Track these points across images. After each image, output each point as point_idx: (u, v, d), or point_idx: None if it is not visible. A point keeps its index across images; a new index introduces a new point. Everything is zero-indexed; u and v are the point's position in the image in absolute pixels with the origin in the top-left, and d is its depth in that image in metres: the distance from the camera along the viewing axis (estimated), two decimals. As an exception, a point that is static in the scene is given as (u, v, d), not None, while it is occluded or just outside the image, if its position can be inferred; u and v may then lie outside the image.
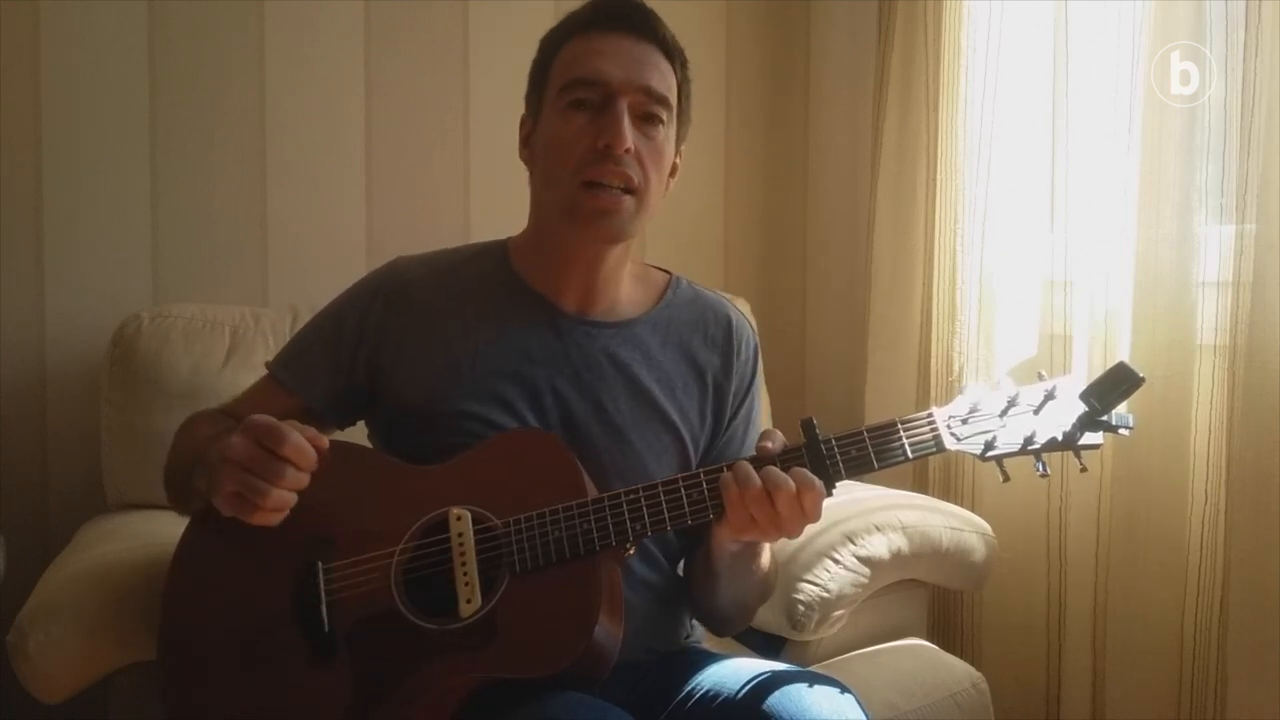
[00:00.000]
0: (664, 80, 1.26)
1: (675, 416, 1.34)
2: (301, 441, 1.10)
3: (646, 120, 1.25)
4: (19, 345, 1.96)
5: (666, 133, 1.28)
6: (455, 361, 1.30)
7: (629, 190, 1.24)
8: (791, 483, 1.12)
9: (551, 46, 1.30)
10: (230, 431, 1.16)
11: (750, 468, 1.14)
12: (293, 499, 1.12)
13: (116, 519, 1.71)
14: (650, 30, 1.27)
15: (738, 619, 1.38)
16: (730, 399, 1.38)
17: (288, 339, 1.47)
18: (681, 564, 1.39)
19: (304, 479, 1.12)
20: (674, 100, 1.28)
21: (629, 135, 1.22)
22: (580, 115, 1.24)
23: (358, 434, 1.38)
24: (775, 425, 2.00)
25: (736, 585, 1.31)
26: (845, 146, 2.50)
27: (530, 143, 1.32)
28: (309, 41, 2.14)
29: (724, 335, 1.39)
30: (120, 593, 1.35)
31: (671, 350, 1.36)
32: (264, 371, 1.39)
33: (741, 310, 1.46)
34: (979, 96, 2.04)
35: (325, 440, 1.14)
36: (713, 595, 1.33)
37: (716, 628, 1.40)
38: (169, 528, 1.28)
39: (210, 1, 2.06)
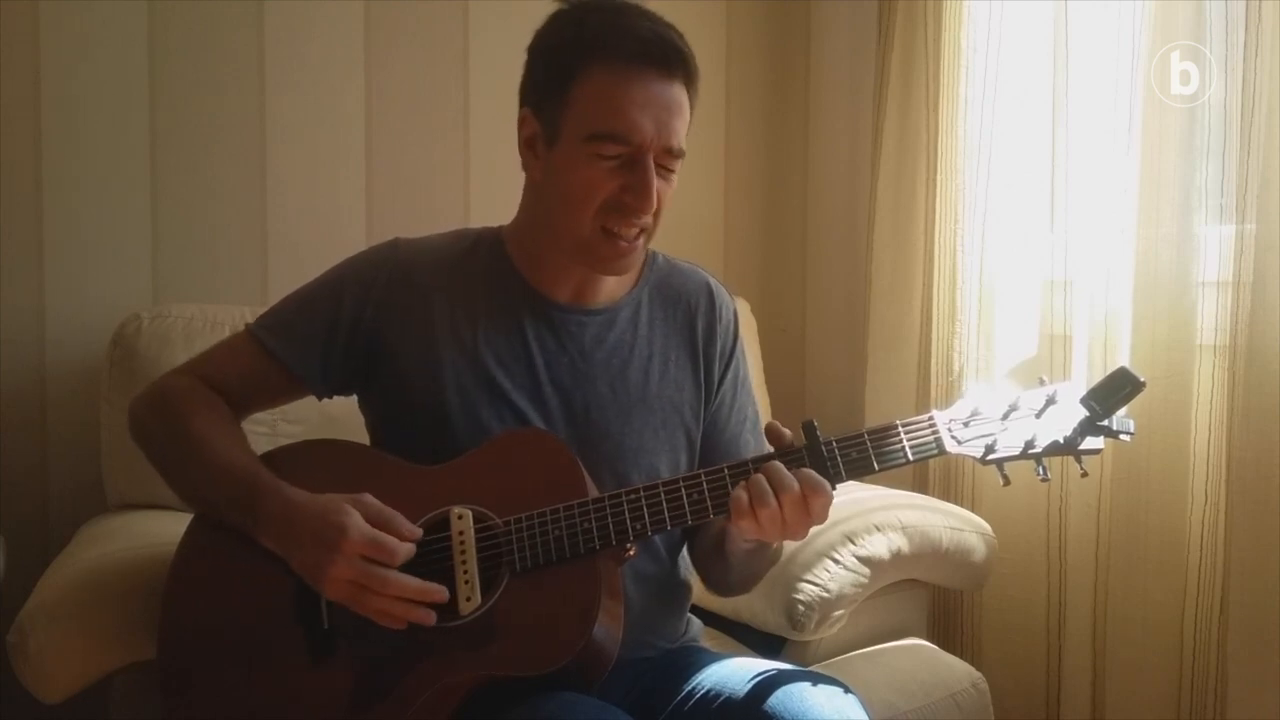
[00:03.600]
0: (684, 125, 1.26)
1: (672, 393, 1.36)
2: (409, 549, 1.14)
3: (666, 165, 1.26)
4: (19, 345, 1.96)
5: (680, 163, 1.28)
6: (455, 352, 1.30)
7: (643, 231, 1.27)
8: (797, 485, 1.13)
9: (574, 58, 1.24)
10: (256, 473, 1.21)
11: (765, 483, 1.13)
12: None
13: (116, 519, 1.71)
14: (683, 72, 1.25)
15: (742, 588, 1.41)
16: (716, 362, 1.40)
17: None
18: (683, 556, 1.40)
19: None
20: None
21: (655, 195, 1.24)
22: (606, 161, 1.23)
23: (355, 430, 1.38)
24: (775, 425, 2.00)
25: (751, 566, 1.34)
26: (845, 146, 2.50)
27: (537, 151, 1.29)
28: (309, 41, 2.13)
29: (706, 303, 1.41)
30: (120, 593, 1.35)
31: (660, 327, 1.37)
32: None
33: (722, 285, 1.47)
34: (979, 96, 2.04)
35: (419, 531, 1.16)
36: (723, 573, 1.35)
37: (722, 593, 1.42)
38: (169, 528, 1.28)
39: (210, 1, 2.05)
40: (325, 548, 1.12)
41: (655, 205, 1.24)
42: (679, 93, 1.24)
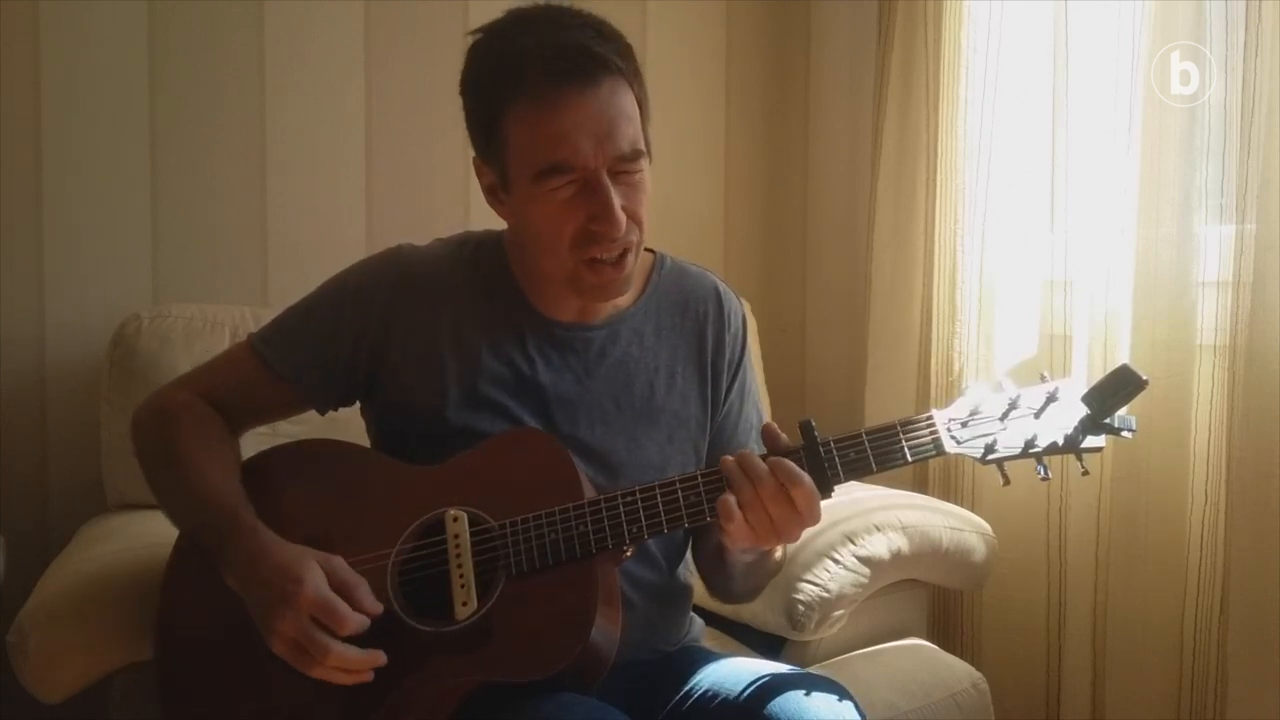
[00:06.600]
0: (631, 124, 1.18)
1: (679, 406, 1.33)
2: (361, 620, 1.10)
3: (626, 171, 1.19)
4: (19, 345, 1.96)
5: (644, 160, 1.21)
6: (458, 364, 1.28)
7: (627, 250, 1.22)
8: (768, 470, 1.10)
9: (494, 101, 1.19)
10: (235, 510, 1.17)
11: (736, 467, 1.12)
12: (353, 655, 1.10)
13: (116, 519, 1.71)
14: (606, 71, 1.16)
15: (747, 598, 1.40)
16: (725, 373, 1.37)
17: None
18: (684, 561, 1.39)
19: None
20: (641, 131, 1.20)
21: (621, 214, 1.17)
22: (561, 194, 1.17)
23: (357, 430, 1.38)
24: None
25: (752, 579, 1.33)
26: (845, 146, 2.50)
27: (500, 198, 1.26)
28: (309, 41, 2.13)
29: (714, 310, 1.37)
30: (120, 593, 1.35)
31: (666, 336, 1.35)
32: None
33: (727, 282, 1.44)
34: (979, 96, 2.03)
35: (380, 607, 1.12)
36: (726, 583, 1.34)
37: (726, 601, 1.41)
38: (169, 527, 1.28)
39: (210, 1, 2.06)
40: (277, 599, 1.09)
41: (624, 222, 1.18)
42: (611, 94, 1.16)
